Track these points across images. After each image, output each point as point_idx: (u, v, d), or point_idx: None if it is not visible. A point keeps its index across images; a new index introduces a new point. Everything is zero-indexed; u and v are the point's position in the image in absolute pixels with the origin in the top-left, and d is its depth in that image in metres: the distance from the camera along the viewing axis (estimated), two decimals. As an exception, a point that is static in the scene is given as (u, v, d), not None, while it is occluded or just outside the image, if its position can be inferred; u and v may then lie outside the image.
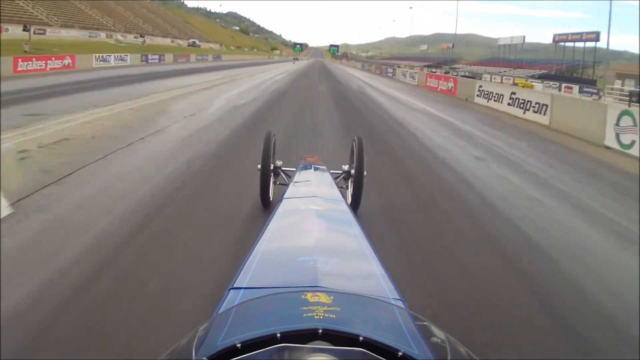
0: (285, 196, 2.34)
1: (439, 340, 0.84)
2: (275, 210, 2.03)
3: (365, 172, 4.15)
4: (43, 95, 13.40)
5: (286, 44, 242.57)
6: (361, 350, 0.74)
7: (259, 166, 4.21)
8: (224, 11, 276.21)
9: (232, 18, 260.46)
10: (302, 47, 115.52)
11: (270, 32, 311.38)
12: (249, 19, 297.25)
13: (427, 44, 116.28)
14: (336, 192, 2.54)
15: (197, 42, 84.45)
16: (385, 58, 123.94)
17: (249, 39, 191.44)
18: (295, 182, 2.81)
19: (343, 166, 4.55)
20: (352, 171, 4.32)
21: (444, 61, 72.75)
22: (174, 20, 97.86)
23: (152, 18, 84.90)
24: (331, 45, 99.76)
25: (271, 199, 4.40)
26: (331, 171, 3.54)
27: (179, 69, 35.46)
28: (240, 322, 0.87)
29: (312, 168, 3.27)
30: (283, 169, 4.52)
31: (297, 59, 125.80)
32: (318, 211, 1.99)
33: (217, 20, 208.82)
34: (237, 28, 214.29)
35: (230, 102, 14.55)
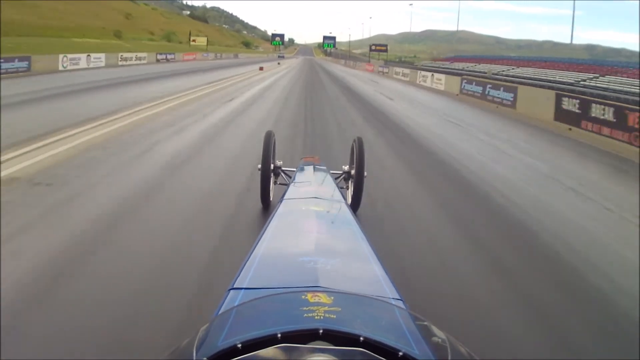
0: (285, 197, 2.35)
1: (439, 340, 0.84)
2: (276, 210, 2.03)
3: (365, 173, 4.15)
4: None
5: (268, 39, 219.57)
6: (361, 351, 0.75)
7: (259, 166, 4.19)
8: (207, 5, 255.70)
9: (215, 12, 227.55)
10: (283, 39, 75.38)
11: (255, 28, 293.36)
12: (231, 14, 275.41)
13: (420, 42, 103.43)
14: (336, 193, 2.55)
15: None
16: (440, 59, 66.33)
17: (199, 26, 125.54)
18: (296, 182, 2.81)
19: (343, 166, 4.55)
20: (353, 172, 4.30)
21: None
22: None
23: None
24: (325, 38, 71.87)
25: (271, 199, 4.39)
26: (331, 171, 3.54)
27: None
28: (241, 323, 0.88)
29: (312, 168, 3.26)
30: (283, 169, 4.51)
31: (283, 57, 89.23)
32: (318, 212, 2.00)
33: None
34: (187, 13, 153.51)
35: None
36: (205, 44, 67.84)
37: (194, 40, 68.51)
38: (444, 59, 60.69)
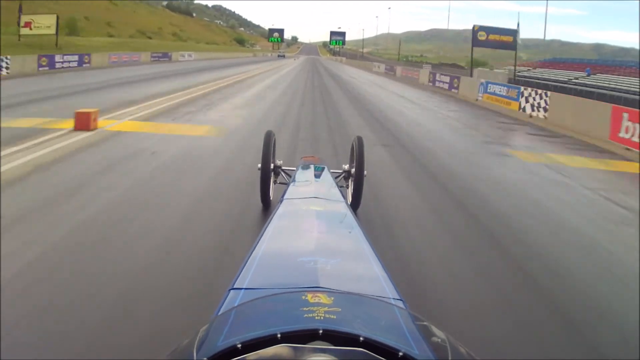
0: (285, 196, 2.34)
1: (439, 340, 0.84)
2: (276, 210, 2.03)
3: (365, 172, 4.14)
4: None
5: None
6: (362, 351, 0.75)
7: (259, 166, 4.20)
8: (209, 4, 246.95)
9: (200, 6, 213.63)
10: (283, 35, 58.70)
11: (258, 27, 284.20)
12: (233, 12, 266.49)
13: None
14: (336, 192, 2.54)
15: None
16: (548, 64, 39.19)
17: (175, 19, 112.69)
18: (296, 182, 2.81)
19: (343, 165, 4.55)
20: (352, 170, 4.30)
21: None
22: None
23: None
24: (332, 34, 55.84)
25: (271, 199, 4.40)
26: (331, 171, 3.54)
27: None
28: (241, 323, 0.88)
29: (312, 168, 3.26)
30: (283, 168, 4.52)
31: (283, 57, 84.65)
32: (318, 211, 1.99)
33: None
34: (164, 3, 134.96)
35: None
36: (54, 30, 30.76)
37: (26, 25, 30.35)
38: (557, 65, 35.27)
